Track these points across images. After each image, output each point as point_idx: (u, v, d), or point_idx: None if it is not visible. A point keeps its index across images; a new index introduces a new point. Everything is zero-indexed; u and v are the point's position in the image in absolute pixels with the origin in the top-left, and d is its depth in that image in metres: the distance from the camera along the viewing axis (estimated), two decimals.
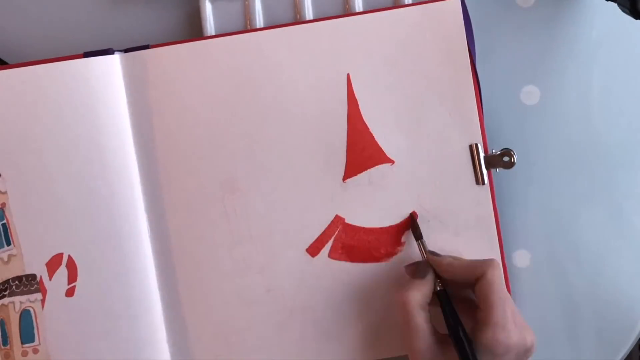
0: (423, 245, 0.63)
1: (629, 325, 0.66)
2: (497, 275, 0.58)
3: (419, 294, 0.59)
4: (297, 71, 0.64)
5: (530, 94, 0.67)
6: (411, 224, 0.64)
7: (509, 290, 0.64)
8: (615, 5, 0.63)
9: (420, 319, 0.58)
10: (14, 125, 0.63)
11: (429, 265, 0.61)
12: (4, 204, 0.64)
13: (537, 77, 0.67)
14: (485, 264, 0.59)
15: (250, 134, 0.65)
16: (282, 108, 0.65)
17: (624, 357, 0.66)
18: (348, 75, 0.64)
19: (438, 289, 0.61)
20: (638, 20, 0.60)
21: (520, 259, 0.66)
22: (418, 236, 0.63)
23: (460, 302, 0.61)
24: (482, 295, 0.58)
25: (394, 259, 0.65)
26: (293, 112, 0.65)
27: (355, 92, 0.64)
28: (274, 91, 0.64)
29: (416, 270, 0.62)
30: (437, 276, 0.61)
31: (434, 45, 0.64)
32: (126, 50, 0.65)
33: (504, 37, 0.67)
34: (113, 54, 0.64)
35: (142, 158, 0.64)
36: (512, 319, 0.57)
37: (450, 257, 0.62)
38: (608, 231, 0.66)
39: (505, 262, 0.64)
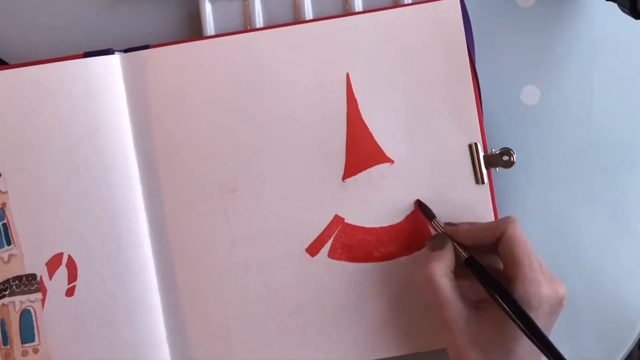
0: (438, 223, 0.62)
1: (629, 325, 0.66)
2: (518, 230, 0.57)
3: (442, 264, 0.58)
4: (297, 71, 0.65)
5: (530, 94, 0.67)
6: (421, 208, 0.64)
7: None
8: (615, 5, 0.63)
9: (448, 288, 0.57)
10: (14, 125, 0.64)
11: (446, 235, 0.61)
12: (4, 204, 0.64)
13: (537, 77, 0.67)
14: (503, 222, 0.58)
15: (249, 133, 0.65)
16: (282, 107, 0.65)
17: (624, 357, 0.66)
18: (347, 75, 0.64)
19: (465, 256, 0.60)
20: (638, 20, 0.60)
21: None
22: (431, 216, 0.63)
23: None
24: (507, 252, 0.57)
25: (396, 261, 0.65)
26: (292, 111, 0.65)
27: (354, 92, 0.64)
28: (274, 91, 0.65)
29: (435, 242, 0.61)
30: (459, 245, 0.60)
31: (434, 44, 0.64)
32: (126, 51, 0.65)
33: (504, 37, 0.67)
34: (113, 54, 0.65)
35: (142, 158, 0.65)
36: (541, 271, 0.56)
37: (468, 223, 0.61)
38: (608, 231, 0.66)
39: None
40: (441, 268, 0.58)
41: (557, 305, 0.57)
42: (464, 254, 0.60)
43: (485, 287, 0.57)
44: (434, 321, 0.63)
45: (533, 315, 0.55)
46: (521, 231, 0.58)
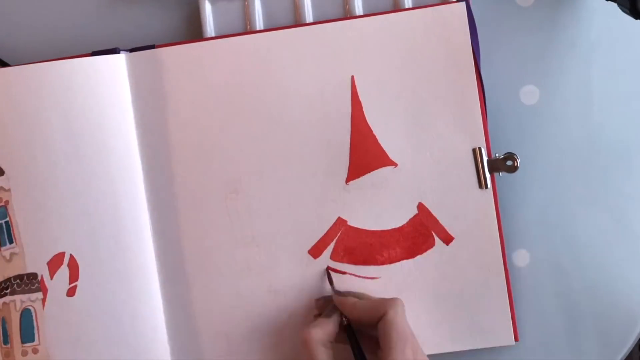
0: (332, 288, 0.64)
1: (629, 325, 0.66)
2: (398, 314, 0.59)
3: (322, 331, 0.60)
4: (302, 73, 0.65)
5: (530, 94, 0.67)
6: (327, 276, 0.64)
7: (509, 290, 0.64)
8: (615, 5, 0.63)
9: (320, 355, 0.59)
10: (18, 123, 0.63)
11: (335, 308, 0.62)
12: (7, 202, 0.63)
13: (537, 77, 0.67)
14: (386, 303, 0.60)
15: (253, 134, 0.65)
16: (286, 110, 0.65)
17: (624, 357, 0.66)
18: (352, 77, 0.65)
19: (345, 323, 0.61)
20: (638, 20, 0.60)
21: (520, 258, 0.66)
22: (330, 281, 0.64)
23: (368, 340, 0.61)
24: (383, 334, 0.59)
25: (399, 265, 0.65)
26: (297, 113, 0.65)
27: (359, 95, 0.65)
28: (279, 93, 0.65)
29: (324, 307, 0.63)
30: (343, 314, 0.62)
31: (439, 48, 0.64)
32: (131, 50, 0.65)
33: (504, 37, 0.67)
34: (119, 53, 0.65)
35: (145, 157, 0.64)
36: (411, 358, 0.58)
37: (356, 296, 0.63)
38: (607, 230, 0.66)
39: (506, 261, 0.65)
40: (320, 336, 0.60)
41: None
42: (345, 320, 0.61)
43: (355, 356, 0.60)
44: None
45: None
46: (402, 315, 0.59)
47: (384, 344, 0.58)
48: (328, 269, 0.64)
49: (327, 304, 0.63)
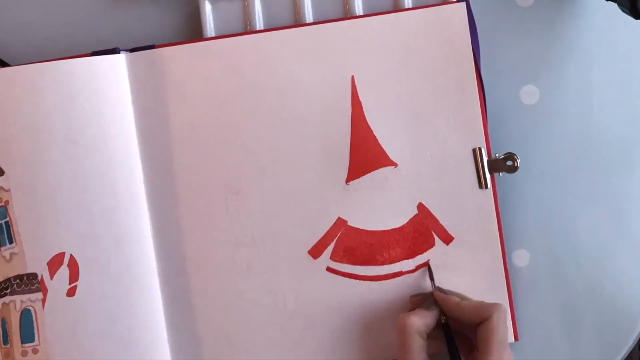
0: (433, 285, 0.64)
1: (629, 325, 0.66)
2: (502, 320, 0.59)
3: (421, 321, 0.60)
4: (303, 73, 0.65)
5: (530, 94, 0.67)
6: (429, 272, 0.65)
7: (509, 290, 0.64)
8: (615, 5, 0.63)
9: (417, 345, 0.59)
10: (19, 123, 0.63)
11: (436, 302, 0.62)
12: (7, 202, 0.63)
13: (537, 77, 0.67)
14: (492, 307, 0.60)
15: (254, 134, 0.65)
16: (287, 109, 0.65)
17: (624, 357, 0.66)
18: (352, 77, 0.65)
19: (443, 321, 0.62)
20: (638, 20, 0.60)
21: (519, 258, 0.67)
22: (431, 277, 0.64)
23: (459, 338, 0.62)
24: (484, 338, 0.59)
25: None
26: (297, 113, 0.65)
27: (359, 95, 0.65)
28: (279, 93, 0.65)
29: (422, 301, 0.63)
30: (443, 312, 0.62)
31: (439, 49, 0.64)
32: (132, 50, 0.65)
33: (504, 37, 0.67)
34: (119, 53, 0.65)
35: (145, 157, 0.64)
36: None
37: (458, 296, 0.63)
38: (608, 231, 0.66)
39: (506, 261, 0.65)
40: (419, 325, 0.60)
41: None
42: (443, 318, 0.62)
43: (450, 354, 0.61)
44: None
45: None
46: (504, 322, 0.59)
47: (483, 347, 0.59)
48: (429, 264, 0.64)
49: (423, 301, 0.63)
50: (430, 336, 0.61)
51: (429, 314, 0.61)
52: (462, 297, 0.63)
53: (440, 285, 0.64)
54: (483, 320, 0.59)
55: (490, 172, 0.64)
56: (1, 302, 0.64)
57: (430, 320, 0.61)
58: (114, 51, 0.65)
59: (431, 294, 0.63)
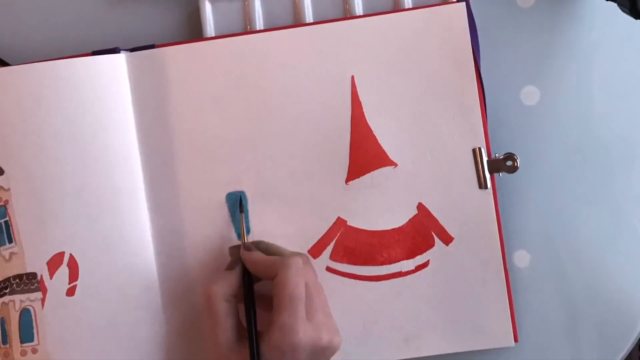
0: (243, 241, 0.63)
1: (629, 325, 0.66)
2: (290, 275, 0.58)
3: (225, 285, 0.59)
4: (303, 73, 0.65)
5: (530, 94, 0.67)
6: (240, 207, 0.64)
7: (509, 291, 0.64)
8: (615, 5, 0.63)
9: (222, 310, 0.59)
10: (18, 122, 0.63)
11: (240, 258, 0.61)
12: (7, 201, 0.63)
13: (537, 77, 0.67)
14: (278, 263, 0.59)
15: (254, 135, 0.65)
16: (286, 109, 0.65)
17: (624, 357, 0.66)
18: (352, 77, 0.65)
19: (244, 278, 0.60)
20: (638, 20, 0.61)
21: (520, 259, 0.66)
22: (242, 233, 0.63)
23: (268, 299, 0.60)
24: (274, 295, 0.58)
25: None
26: (297, 113, 0.65)
27: (359, 95, 0.65)
28: (279, 92, 0.65)
29: (230, 259, 0.62)
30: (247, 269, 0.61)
31: (439, 49, 0.64)
32: (132, 50, 0.65)
33: (504, 37, 0.67)
34: (119, 53, 0.65)
35: (145, 157, 0.64)
36: (304, 318, 0.57)
37: (266, 249, 0.62)
38: (608, 231, 0.66)
39: (506, 262, 0.65)
40: (223, 290, 0.59)
41: (321, 352, 0.58)
42: (245, 276, 0.61)
43: (246, 312, 0.59)
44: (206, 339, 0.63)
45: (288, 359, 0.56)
46: (295, 275, 0.58)
47: (275, 304, 0.57)
48: (240, 199, 0.63)
49: (232, 260, 0.62)
50: (240, 296, 0.60)
51: (232, 275, 0.60)
52: (272, 250, 0.62)
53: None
54: (274, 278, 0.58)
55: (490, 172, 0.64)
56: (0, 302, 0.64)
57: (235, 281, 0.60)
58: (114, 51, 0.65)
59: (238, 251, 0.62)
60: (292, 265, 0.58)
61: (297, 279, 0.58)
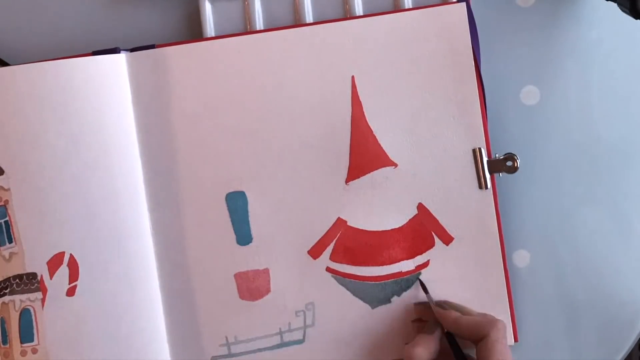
0: (430, 299, 0.63)
1: (629, 325, 0.66)
2: (500, 337, 0.59)
3: (426, 350, 0.60)
4: (302, 73, 0.65)
5: (530, 94, 0.67)
6: (421, 286, 0.64)
7: (509, 291, 0.64)
8: (615, 5, 0.63)
9: None
10: (18, 122, 0.63)
11: (436, 322, 0.62)
12: (7, 201, 0.63)
13: (537, 77, 0.67)
14: (489, 324, 0.59)
15: (254, 135, 0.65)
16: (286, 110, 0.65)
17: (624, 357, 0.66)
18: (353, 77, 0.65)
19: (449, 338, 0.61)
20: (638, 20, 0.61)
21: (520, 259, 0.67)
22: (425, 291, 0.64)
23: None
24: (482, 356, 0.58)
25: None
26: (297, 113, 0.65)
27: (359, 95, 0.65)
28: (279, 93, 0.65)
29: (423, 313, 0.63)
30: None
31: (439, 49, 0.64)
32: (132, 50, 0.65)
33: (504, 37, 0.67)
34: (119, 53, 0.65)
35: (145, 157, 0.64)
36: None
37: (456, 308, 0.62)
38: (608, 231, 0.66)
39: (506, 262, 0.65)
40: (425, 355, 0.59)
41: None
42: (446, 334, 0.62)
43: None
44: None
45: None
46: (503, 338, 0.59)
47: None
48: (420, 281, 0.64)
49: (427, 310, 0.63)
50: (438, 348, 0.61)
51: (432, 338, 0.61)
52: (462, 310, 0.62)
53: (434, 294, 0.64)
54: (481, 338, 0.59)
55: (490, 173, 0.64)
56: (0, 302, 0.64)
57: (435, 345, 0.61)
58: (114, 51, 0.65)
59: (432, 318, 0.63)
60: (502, 329, 0.59)
61: (505, 343, 0.59)
